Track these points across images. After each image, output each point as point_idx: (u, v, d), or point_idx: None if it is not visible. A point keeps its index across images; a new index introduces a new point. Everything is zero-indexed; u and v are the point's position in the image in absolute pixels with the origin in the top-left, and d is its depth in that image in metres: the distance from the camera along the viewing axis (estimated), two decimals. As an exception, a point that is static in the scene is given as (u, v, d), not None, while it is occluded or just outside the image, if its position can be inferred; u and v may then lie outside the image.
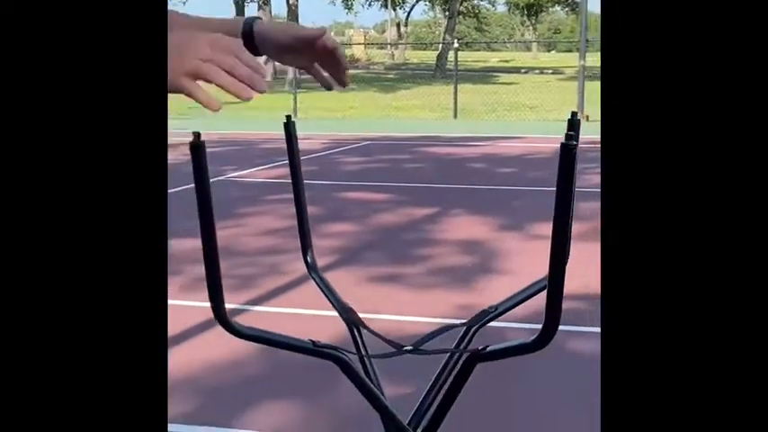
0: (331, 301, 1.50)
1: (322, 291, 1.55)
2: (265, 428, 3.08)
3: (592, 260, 5.97)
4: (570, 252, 1.24)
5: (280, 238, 6.09)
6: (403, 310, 4.41)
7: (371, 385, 1.36)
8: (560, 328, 1.07)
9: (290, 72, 21.61)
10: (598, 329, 4.20)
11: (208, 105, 1.08)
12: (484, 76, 30.82)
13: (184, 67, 1.07)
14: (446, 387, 1.38)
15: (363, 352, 1.40)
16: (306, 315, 4.34)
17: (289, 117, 1.45)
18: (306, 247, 1.47)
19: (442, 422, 1.37)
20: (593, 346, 3.98)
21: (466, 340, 1.49)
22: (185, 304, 4.55)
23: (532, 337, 1.11)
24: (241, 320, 3.51)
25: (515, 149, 12.13)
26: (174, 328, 4.13)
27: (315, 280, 1.55)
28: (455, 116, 18.25)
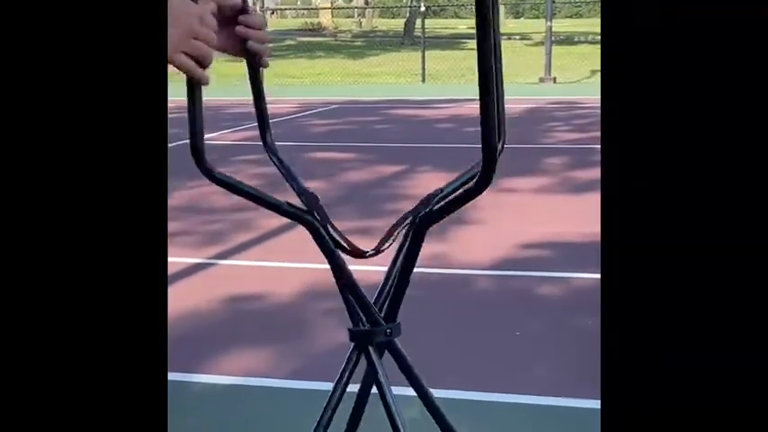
0: (291, 184, 1.50)
1: (282, 173, 1.53)
2: (226, 373, 3.09)
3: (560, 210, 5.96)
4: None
5: (247, 196, 6.08)
6: (373, 261, 4.41)
7: (339, 253, 1.40)
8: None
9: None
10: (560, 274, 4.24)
11: (200, 80, 1.22)
12: (452, 42, 30.71)
13: (180, 45, 1.15)
14: (402, 257, 1.42)
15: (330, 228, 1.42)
16: (274, 267, 4.34)
17: None
18: (264, 129, 1.47)
19: (404, 291, 1.39)
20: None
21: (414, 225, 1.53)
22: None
23: (473, 182, 1.22)
24: (210, 274, 3.52)
25: (483, 111, 12.13)
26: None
27: (274, 162, 1.54)
28: (423, 81, 18.21)
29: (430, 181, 6.85)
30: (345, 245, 1.42)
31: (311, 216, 1.37)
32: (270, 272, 4.30)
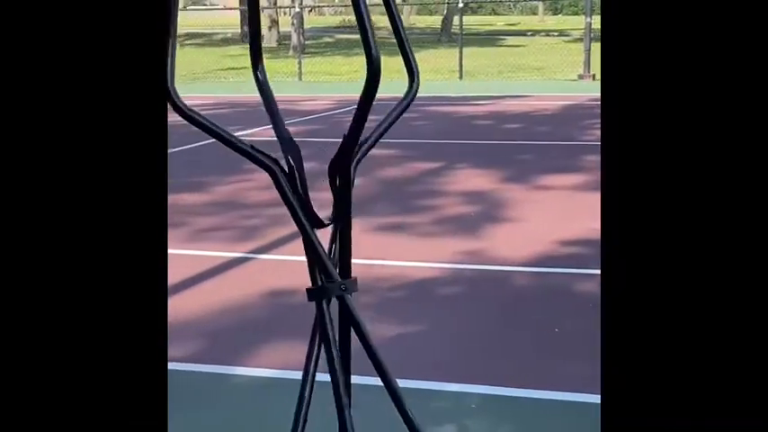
0: (274, 129, 1.52)
1: (268, 113, 1.56)
2: (265, 367, 3.11)
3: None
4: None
5: (285, 192, 6.11)
6: (408, 257, 4.42)
7: (296, 200, 1.43)
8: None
9: (294, 37, 21.51)
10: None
11: None
12: (490, 39, 30.61)
13: None
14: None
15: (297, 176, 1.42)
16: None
17: None
18: (256, 63, 1.52)
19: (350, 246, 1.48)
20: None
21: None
22: (190, 254, 4.60)
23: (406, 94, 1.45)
24: (248, 269, 3.53)
25: (521, 107, 12.08)
26: (178, 275, 4.16)
27: (263, 98, 1.58)
28: (461, 77, 18.16)
29: (467, 177, 6.86)
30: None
31: (276, 165, 1.40)
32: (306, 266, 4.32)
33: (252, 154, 1.41)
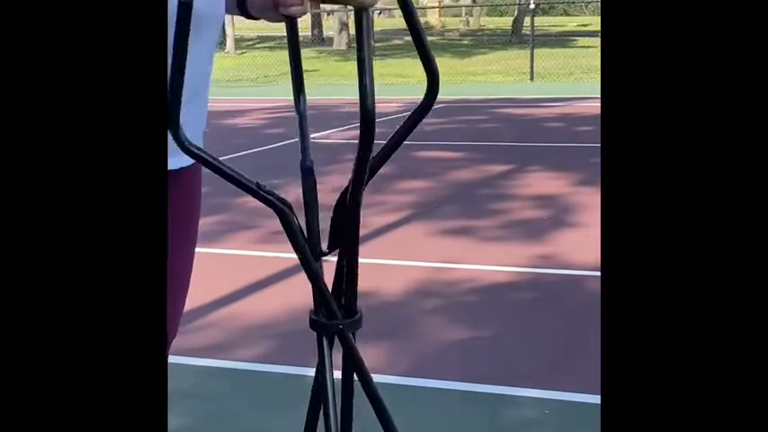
0: (302, 155, 1.54)
1: (301, 136, 1.57)
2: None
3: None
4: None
5: (355, 195, 6.14)
6: (478, 260, 4.41)
7: (304, 242, 1.46)
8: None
9: (365, 39, 21.55)
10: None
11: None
12: (561, 40, 30.30)
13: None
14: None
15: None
16: (381, 265, 4.38)
17: None
18: (297, 95, 1.55)
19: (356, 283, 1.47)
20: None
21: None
22: (262, 255, 4.66)
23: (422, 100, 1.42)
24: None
25: (593, 109, 11.95)
26: (250, 276, 4.23)
27: (300, 128, 1.58)
28: (531, 79, 18.04)
29: (538, 180, 6.82)
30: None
31: (285, 206, 1.40)
32: (378, 269, 4.35)
33: (258, 193, 1.39)
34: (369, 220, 5.22)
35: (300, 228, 1.44)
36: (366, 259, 4.58)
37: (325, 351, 1.52)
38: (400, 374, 3.06)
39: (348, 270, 1.48)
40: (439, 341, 3.39)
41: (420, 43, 1.40)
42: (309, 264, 1.45)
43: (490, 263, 4.37)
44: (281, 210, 1.40)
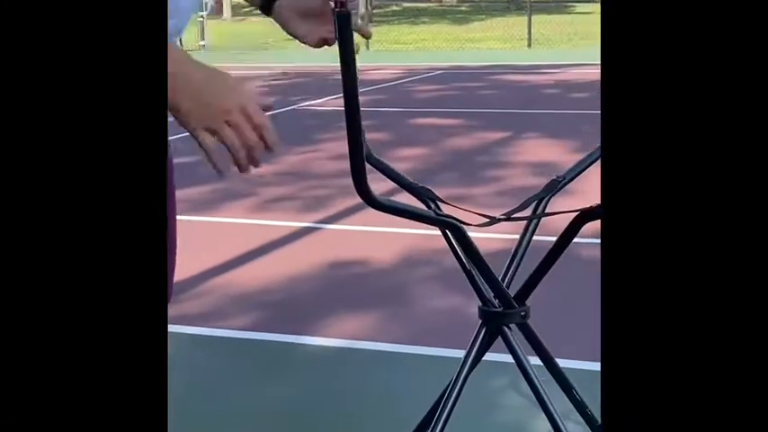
0: (400, 181, 1.53)
1: (387, 174, 1.57)
2: (334, 337, 3.14)
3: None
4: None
5: (352, 162, 6.13)
6: (472, 228, 4.40)
7: (479, 251, 1.47)
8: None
9: (361, 6, 21.47)
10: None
11: (214, 167, 1.11)
12: (559, 6, 30.12)
13: (208, 122, 1.09)
14: (550, 248, 1.48)
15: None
16: (375, 232, 4.38)
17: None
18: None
19: (538, 283, 1.52)
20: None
21: (540, 208, 1.59)
22: (258, 223, 4.66)
23: None
24: (315, 239, 3.58)
25: (590, 75, 11.89)
26: (247, 244, 4.22)
27: (380, 168, 1.58)
28: (529, 46, 17.95)
29: (535, 148, 6.80)
30: (466, 219, 1.47)
31: (454, 220, 1.43)
32: (373, 237, 4.34)
33: (437, 219, 1.44)
34: (365, 187, 5.21)
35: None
36: (362, 227, 4.60)
37: (513, 342, 1.55)
38: (391, 342, 3.07)
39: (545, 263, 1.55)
40: (430, 309, 3.40)
41: None
42: (473, 251, 1.51)
43: (487, 230, 4.37)
44: (459, 228, 1.44)
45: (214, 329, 3.24)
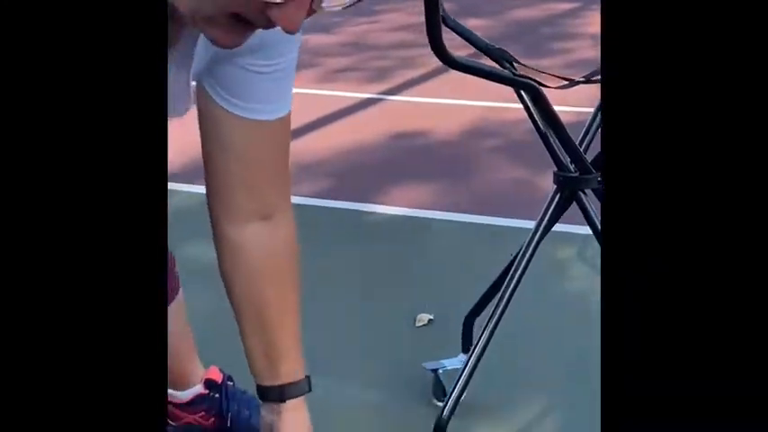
0: (477, 44, 1.51)
1: (464, 35, 1.54)
2: (396, 205, 3.17)
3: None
4: None
5: (411, 34, 6.04)
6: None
7: (557, 114, 1.51)
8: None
9: None
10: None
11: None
12: None
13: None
14: None
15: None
16: (440, 104, 4.36)
17: None
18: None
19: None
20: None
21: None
22: (322, 93, 4.66)
23: None
24: (376, 110, 3.59)
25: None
26: (310, 115, 4.24)
27: (457, 30, 1.56)
28: None
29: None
30: (545, 81, 1.45)
31: (532, 81, 1.42)
32: (438, 108, 4.32)
33: (514, 79, 1.46)
34: (426, 59, 5.14)
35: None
36: (424, 98, 4.57)
37: (589, 206, 1.57)
38: (455, 211, 3.09)
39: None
40: (495, 179, 3.40)
41: None
42: (551, 116, 1.54)
43: (560, 102, 4.31)
44: (537, 90, 1.46)
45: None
